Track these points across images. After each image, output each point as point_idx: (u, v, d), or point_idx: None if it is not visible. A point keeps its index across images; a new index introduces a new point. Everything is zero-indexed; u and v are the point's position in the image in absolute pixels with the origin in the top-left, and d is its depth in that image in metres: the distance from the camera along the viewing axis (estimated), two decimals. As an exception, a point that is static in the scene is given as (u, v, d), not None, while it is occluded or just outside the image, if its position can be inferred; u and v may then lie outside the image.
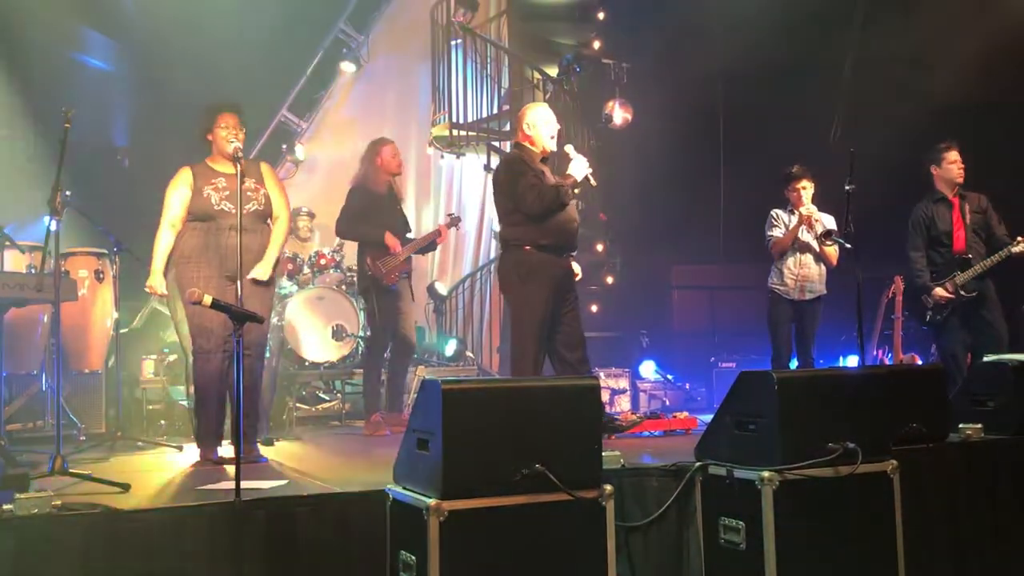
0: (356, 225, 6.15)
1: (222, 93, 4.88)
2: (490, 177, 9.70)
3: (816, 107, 9.11)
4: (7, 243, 5.08)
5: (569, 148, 4.98)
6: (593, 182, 4.89)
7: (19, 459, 4.43)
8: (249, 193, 4.58)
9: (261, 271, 4.59)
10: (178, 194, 4.58)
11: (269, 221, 4.75)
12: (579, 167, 4.88)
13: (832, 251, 6.06)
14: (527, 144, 4.97)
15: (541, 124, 4.94)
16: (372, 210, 6.14)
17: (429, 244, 6.58)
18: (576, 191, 4.88)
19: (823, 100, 9.24)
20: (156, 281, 4.61)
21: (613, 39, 9.52)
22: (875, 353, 7.72)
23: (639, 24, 9.41)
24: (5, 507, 2.78)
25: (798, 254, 6.07)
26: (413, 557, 2.86)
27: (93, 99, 7.77)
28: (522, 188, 4.76)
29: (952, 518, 3.92)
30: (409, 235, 6.40)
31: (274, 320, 6.70)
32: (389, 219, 6.19)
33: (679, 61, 8.73)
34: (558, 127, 5.01)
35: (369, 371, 6.19)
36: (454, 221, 7.01)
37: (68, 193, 4.12)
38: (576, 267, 5.10)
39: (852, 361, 7.96)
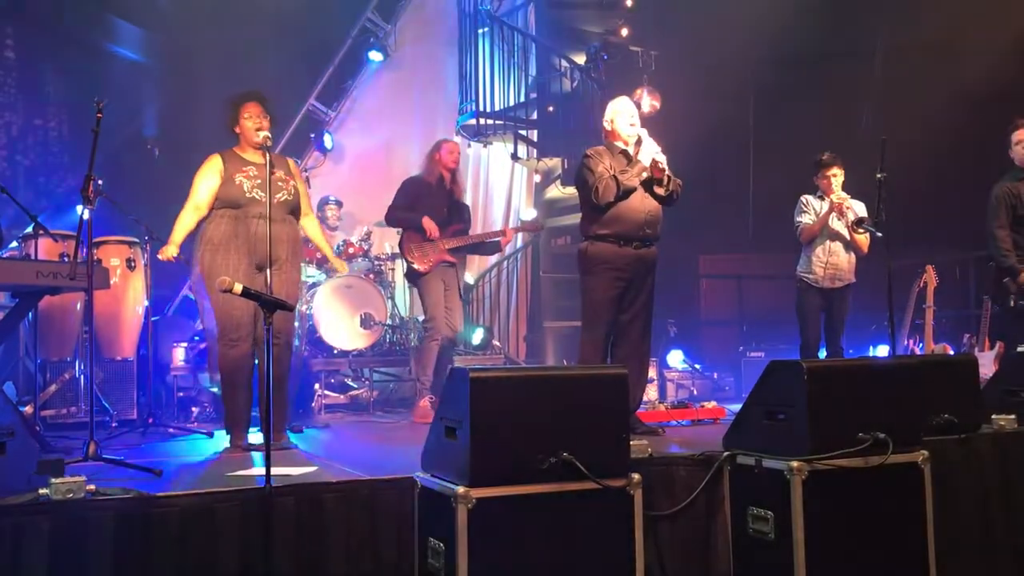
0: (400, 212, 6.24)
1: (250, 83, 4.91)
2: (516, 166, 9.73)
3: (847, 94, 9.01)
4: (41, 231, 5.14)
5: (642, 132, 4.96)
6: (662, 167, 4.83)
7: (53, 444, 4.51)
8: (280, 183, 4.61)
9: (337, 264, 5.33)
10: (206, 180, 4.59)
11: (295, 213, 4.81)
12: (646, 153, 4.88)
13: (863, 239, 5.99)
14: (611, 140, 5.03)
15: (618, 116, 4.99)
16: (418, 198, 6.22)
17: (490, 244, 6.65)
18: (644, 176, 4.82)
19: (855, 87, 9.13)
20: (170, 250, 4.61)
21: (641, 26, 9.46)
22: (906, 343, 7.63)
23: (667, 11, 9.34)
24: (41, 491, 2.83)
25: (827, 242, 6.01)
26: (441, 544, 2.88)
27: (124, 89, 7.85)
28: (590, 182, 4.85)
29: (984, 509, 3.89)
30: (461, 229, 6.41)
31: (302, 308, 6.75)
32: (434, 208, 6.22)
33: (708, 48, 8.66)
34: (635, 112, 5.00)
35: (418, 358, 6.19)
36: (531, 226, 7.04)
37: (100, 182, 4.17)
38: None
39: (883, 351, 7.88)
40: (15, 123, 7.65)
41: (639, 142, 4.96)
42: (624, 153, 4.95)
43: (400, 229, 6.39)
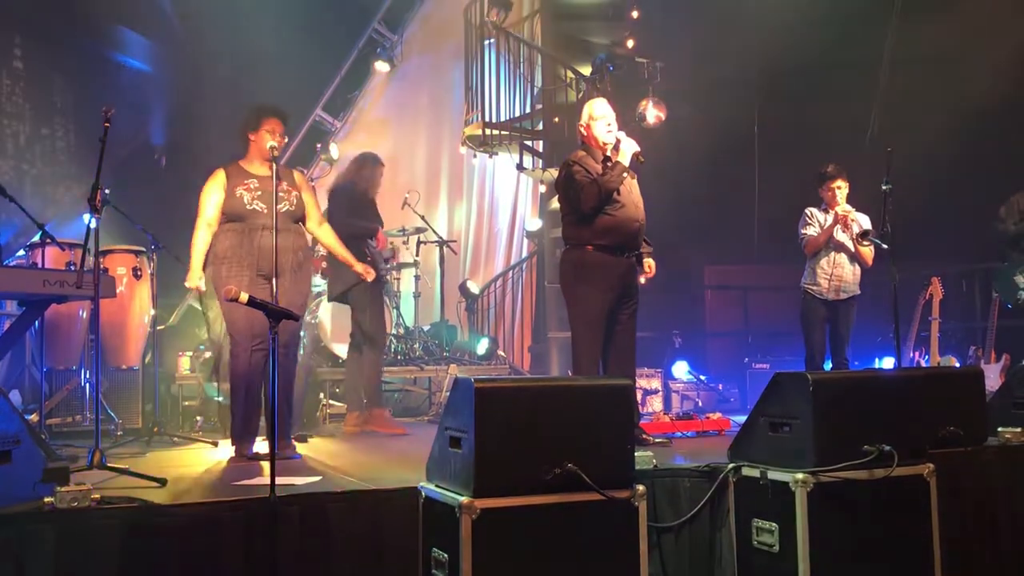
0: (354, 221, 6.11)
1: (257, 93, 4.94)
2: (522, 176, 9.75)
3: (853, 106, 9.01)
4: (48, 240, 5.16)
5: (620, 134, 4.90)
6: (641, 159, 4.80)
7: (59, 453, 4.51)
8: (281, 194, 4.64)
9: (361, 269, 5.20)
10: (212, 196, 4.67)
11: (300, 223, 4.83)
12: (626, 150, 4.80)
13: (868, 251, 5.98)
14: (588, 144, 4.95)
15: (594, 122, 4.91)
16: (354, 210, 6.10)
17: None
18: (626, 175, 4.76)
19: (860, 99, 9.13)
20: (195, 278, 4.67)
21: (647, 38, 9.47)
22: (912, 355, 7.62)
23: (673, 23, 9.36)
24: (46, 500, 2.83)
25: (832, 253, 6.00)
26: (445, 554, 2.87)
27: (131, 99, 7.89)
28: (574, 189, 4.75)
29: (991, 522, 3.87)
30: None
31: (308, 318, 6.76)
32: (370, 220, 6.18)
33: (713, 60, 8.67)
34: (612, 115, 4.94)
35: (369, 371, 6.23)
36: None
37: (107, 191, 4.18)
38: (650, 263, 4.97)
39: (888, 363, 7.87)
40: (22, 132, 7.69)
41: (617, 145, 4.86)
42: (607, 160, 4.86)
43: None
